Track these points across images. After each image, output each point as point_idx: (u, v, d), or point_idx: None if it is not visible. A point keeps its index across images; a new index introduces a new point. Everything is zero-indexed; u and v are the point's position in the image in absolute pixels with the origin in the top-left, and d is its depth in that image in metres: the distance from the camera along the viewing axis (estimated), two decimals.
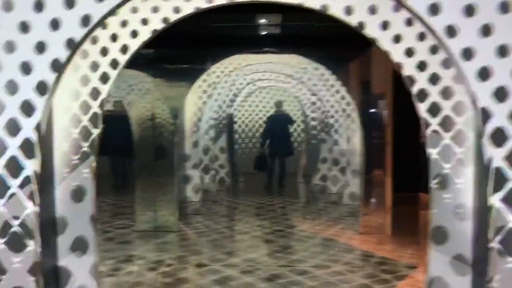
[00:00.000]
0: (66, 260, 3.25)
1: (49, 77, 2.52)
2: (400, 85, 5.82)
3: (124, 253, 5.88)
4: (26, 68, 2.52)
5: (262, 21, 7.06)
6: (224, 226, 7.40)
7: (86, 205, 3.39)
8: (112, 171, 10.61)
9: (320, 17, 6.55)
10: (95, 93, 3.43)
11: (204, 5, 3.70)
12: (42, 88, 2.53)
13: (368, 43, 7.04)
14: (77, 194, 3.32)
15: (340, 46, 7.35)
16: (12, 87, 2.53)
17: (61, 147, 3.19)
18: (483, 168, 3.35)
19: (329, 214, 8.19)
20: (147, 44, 4.45)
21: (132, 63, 7.12)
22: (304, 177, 11.86)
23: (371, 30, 3.74)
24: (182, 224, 7.32)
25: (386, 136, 6.77)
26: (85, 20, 2.54)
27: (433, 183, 3.65)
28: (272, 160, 10.79)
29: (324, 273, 5.16)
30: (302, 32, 7.26)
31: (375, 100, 7.08)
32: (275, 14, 6.69)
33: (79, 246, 3.34)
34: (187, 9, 3.74)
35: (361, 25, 3.70)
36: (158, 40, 6.95)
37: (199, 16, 6.46)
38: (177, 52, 7.22)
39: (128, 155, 9.01)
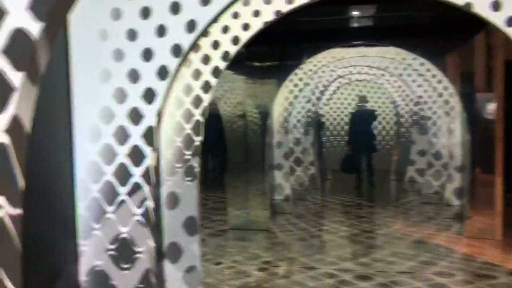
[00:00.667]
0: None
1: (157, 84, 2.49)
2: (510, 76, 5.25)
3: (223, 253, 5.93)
4: (162, 73, 2.50)
5: (355, 13, 6.74)
6: (318, 227, 7.21)
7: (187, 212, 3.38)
8: (203, 169, 10.73)
9: (416, 5, 6.15)
10: (197, 102, 3.40)
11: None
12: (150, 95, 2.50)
13: (470, 33, 6.55)
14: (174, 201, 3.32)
15: (439, 36, 6.83)
16: (122, 96, 2.53)
17: (165, 154, 3.19)
18: None
19: (430, 216, 7.67)
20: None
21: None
22: (397, 174, 11.29)
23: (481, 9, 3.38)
24: (272, 224, 7.25)
25: (497, 131, 6.14)
26: (191, 25, 2.47)
27: None
28: (358, 159, 10.26)
29: (449, 282, 4.77)
30: (398, 23, 6.84)
31: (478, 93, 6.48)
32: (368, 5, 6.35)
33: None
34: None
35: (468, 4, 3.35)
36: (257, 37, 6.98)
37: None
38: (267, 49, 7.13)
39: (220, 153, 9.11)
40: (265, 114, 6.98)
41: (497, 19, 3.50)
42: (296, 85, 8.50)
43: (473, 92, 6.61)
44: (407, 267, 5.24)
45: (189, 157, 3.38)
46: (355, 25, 7.12)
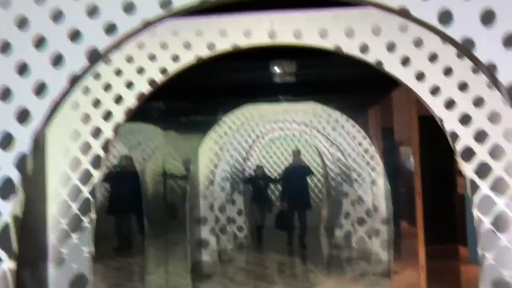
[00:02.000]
0: None
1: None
2: (426, 130, 5.34)
3: None
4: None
5: (276, 69, 6.77)
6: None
7: None
8: (116, 232, 9.41)
9: (336, 63, 6.27)
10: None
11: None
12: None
13: (388, 88, 6.77)
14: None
15: (358, 92, 6.99)
16: None
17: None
18: None
19: (360, 274, 7.48)
20: (155, 96, 4.13)
21: (142, 117, 6.94)
22: (326, 230, 11.18)
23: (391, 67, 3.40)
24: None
25: (415, 185, 6.20)
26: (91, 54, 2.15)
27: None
28: (291, 215, 9.86)
29: None
30: (318, 79, 6.94)
31: (399, 146, 6.62)
32: (288, 60, 6.39)
33: None
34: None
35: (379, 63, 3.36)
36: (168, 92, 6.73)
37: (208, 65, 6.21)
38: (187, 103, 6.93)
39: (136, 213, 8.47)
40: (188, 170, 6.65)
41: (406, 75, 3.53)
42: (220, 139, 8.32)
43: (393, 146, 6.74)
44: None
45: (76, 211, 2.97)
46: (278, 81, 7.14)
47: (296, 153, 10.56)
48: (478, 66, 2.19)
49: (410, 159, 6.35)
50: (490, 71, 1.99)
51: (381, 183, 7.86)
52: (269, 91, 6.92)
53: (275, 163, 12.98)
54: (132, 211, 8.83)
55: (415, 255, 6.19)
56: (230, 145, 9.63)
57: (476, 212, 3.24)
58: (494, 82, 2.11)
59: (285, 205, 9.89)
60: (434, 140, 5.97)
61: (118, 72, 3.59)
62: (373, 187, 7.87)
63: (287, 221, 9.81)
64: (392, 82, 6.88)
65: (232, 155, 9.94)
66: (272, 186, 10.93)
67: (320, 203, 12.08)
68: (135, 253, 8.40)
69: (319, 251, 9.85)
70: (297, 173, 9.88)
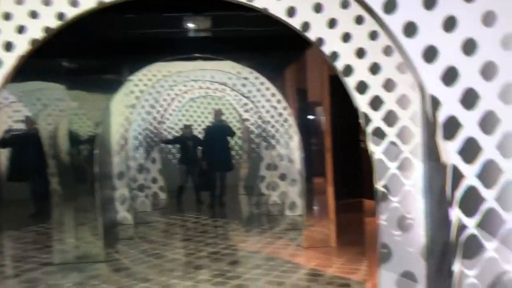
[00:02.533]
0: None
1: None
2: (339, 91, 5.48)
3: None
4: None
5: (189, 25, 6.53)
6: (161, 251, 6.73)
7: None
8: (30, 198, 9.21)
9: (252, 21, 6.17)
10: None
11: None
12: None
13: (302, 47, 6.81)
14: None
15: (274, 50, 6.95)
16: None
17: None
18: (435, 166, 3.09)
19: (272, 229, 7.73)
20: (60, 53, 3.81)
21: (46, 75, 6.44)
22: (246, 188, 11.38)
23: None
24: (114, 252, 6.60)
25: (326, 143, 6.42)
26: None
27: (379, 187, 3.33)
28: (213, 176, 9.71)
29: None
30: (234, 37, 6.79)
31: (313, 106, 6.75)
32: (202, 16, 6.18)
33: None
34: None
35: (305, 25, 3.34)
36: (73, 48, 6.27)
37: (117, 19, 5.83)
38: (95, 61, 6.51)
39: (42, 178, 8.02)
40: (97, 131, 6.32)
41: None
42: (134, 98, 8.02)
43: (306, 106, 6.86)
44: (241, 280, 5.09)
45: None
46: (192, 37, 6.89)
47: (217, 112, 10.28)
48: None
49: (321, 118, 6.53)
50: None
51: (296, 142, 8.06)
52: (183, 48, 6.66)
53: (196, 123, 12.81)
54: (36, 176, 8.38)
55: (325, 211, 6.51)
56: (146, 103, 9.32)
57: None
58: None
59: (205, 166, 9.68)
60: (344, 100, 6.16)
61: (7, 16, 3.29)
62: (289, 147, 8.06)
63: (208, 181, 9.72)
64: (306, 42, 7.00)
65: (148, 115, 9.65)
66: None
67: (240, 162, 12.20)
68: (42, 220, 8.10)
69: (239, 209, 10.05)
70: (218, 133, 9.66)
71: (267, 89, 8.14)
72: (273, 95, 8.14)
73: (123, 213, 8.08)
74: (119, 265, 6.07)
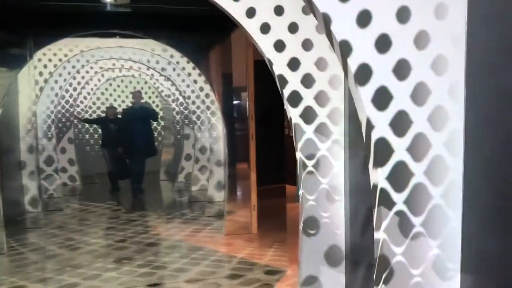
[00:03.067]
0: None
1: None
2: (261, 75, 5.40)
3: None
4: None
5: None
6: (69, 239, 6.28)
7: None
8: None
9: None
10: None
11: None
12: None
13: (228, 29, 6.62)
14: None
15: (198, 32, 6.68)
16: None
17: None
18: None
19: (194, 216, 7.53)
20: None
21: None
22: (167, 174, 11.04)
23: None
24: (14, 243, 6.05)
25: (250, 128, 6.32)
26: None
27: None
28: (132, 162, 9.03)
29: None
30: (156, 13, 6.42)
31: (237, 91, 6.61)
32: None
33: None
34: None
35: None
36: None
37: None
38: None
39: None
40: None
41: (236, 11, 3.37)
42: (42, 77, 7.37)
43: (232, 91, 6.70)
44: (161, 275, 4.87)
45: None
46: (109, 12, 6.41)
47: (136, 94, 9.51)
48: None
49: (246, 103, 6.41)
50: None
51: (220, 127, 7.89)
52: (99, 23, 6.17)
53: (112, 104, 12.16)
54: None
55: (247, 197, 6.43)
56: (57, 84, 8.64)
57: (299, 155, 3.31)
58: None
59: (121, 151, 9.01)
60: (267, 85, 6.13)
61: None
62: (212, 131, 7.87)
63: (125, 168, 9.17)
64: (231, 23, 6.81)
65: (60, 97, 8.96)
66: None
67: (162, 147, 11.80)
68: None
69: (159, 196, 9.72)
70: (138, 116, 8.91)
71: (190, 72, 7.84)
72: (195, 78, 7.86)
73: (30, 201, 7.47)
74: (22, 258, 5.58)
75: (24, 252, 5.75)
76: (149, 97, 12.39)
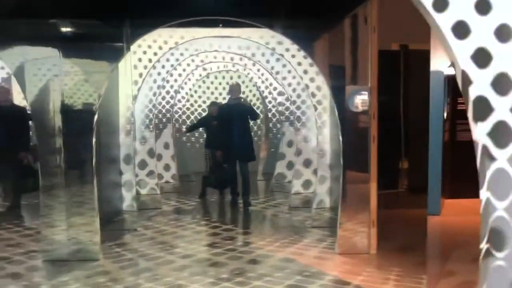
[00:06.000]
0: None
1: None
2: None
3: None
4: None
5: None
6: (171, 247, 5.74)
7: None
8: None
9: None
10: None
11: None
12: None
13: (342, 13, 5.63)
14: None
15: (310, 17, 5.73)
16: None
17: None
18: None
19: (300, 225, 6.69)
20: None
21: (37, 39, 5.37)
22: (264, 174, 10.35)
23: None
24: (113, 246, 5.65)
25: (371, 128, 5.28)
26: None
27: None
28: (231, 167, 7.82)
29: None
30: None
31: (352, 84, 5.61)
32: None
33: None
34: None
35: None
36: (69, 7, 5.19)
37: None
38: (95, 23, 5.40)
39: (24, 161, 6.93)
40: (93, 108, 5.27)
41: None
42: (138, 72, 6.96)
43: (343, 84, 5.72)
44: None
45: None
46: None
47: (234, 88, 8.03)
48: None
49: (356, 99, 5.40)
50: None
51: (329, 124, 6.97)
52: (197, 10, 5.46)
53: (209, 100, 11.70)
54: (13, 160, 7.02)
55: (364, 207, 5.41)
56: (151, 78, 8.26)
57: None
58: None
59: (220, 155, 7.93)
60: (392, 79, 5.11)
61: None
62: (323, 129, 6.96)
63: (223, 176, 8.02)
64: (346, 6, 5.81)
65: (154, 92, 8.58)
66: None
67: (258, 144, 11.14)
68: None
69: (257, 198, 8.97)
70: (236, 114, 7.64)
71: (300, 61, 6.95)
72: (305, 68, 6.94)
73: (129, 201, 7.12)
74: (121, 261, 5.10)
75: (122, 255, 5.29)
76: (247, 92, 11.74)
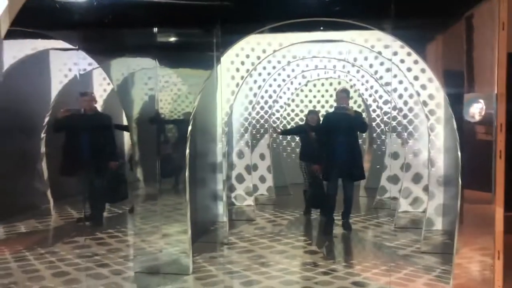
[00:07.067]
0: None
1: None
2: None
3: None
4: None
5: None
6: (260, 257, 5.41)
7: None
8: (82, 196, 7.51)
9: None
10: None
11: None
12: None
13: (460, 11, 4.88)
14: None
15: (425, 14, 5.04)
16: None
17: None
18: None
19: (407, 250, 5.97)
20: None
21: (134, 47, 5.39)
22: (367, 189, 9.62)
23: None
24: (205, 261, 5.45)
25: (498, 141, 4.47)
26: None
27: None
28: (332, 186, 6.78)
29: None
30: None
31: (472, 91, 4.83)
32: None
33: None
34: None
35: None
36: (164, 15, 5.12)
37: None
38: (194, 30, 5.27)
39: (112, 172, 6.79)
40: (187, 116, 5.13)
41: None
42: (235, 80, 6.77)
43: (462, 91, 4.96)
44: None
45: None
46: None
47: (342, 94, 6.83)
48: None
49: (472, 108, 4.62)
50: None
51: (443, 136, 6.18)
52: (299, 13, 5.06)
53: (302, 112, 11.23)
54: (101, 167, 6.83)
55: (484, 226, 4.58)
56: (247, 86, 8.05)
57: None
58: None
59: (323, 172, 6.96)
60: None
61: None
62: (436, 141, 6.18)
63: (323, 196, 7.00)
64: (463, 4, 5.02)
65: (249, 100, 8.35)
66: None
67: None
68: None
69: (358, 217, 8.27)
70: (343, 125, 6.63)
71: (411, 66, 6.27)
72: (416, 74, 6.23)
73: (220, 211, 6.93)
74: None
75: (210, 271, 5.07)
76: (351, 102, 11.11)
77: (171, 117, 5.21)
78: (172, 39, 5.31)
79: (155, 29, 5.06)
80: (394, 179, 8.61)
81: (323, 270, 5.15)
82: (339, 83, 10.55)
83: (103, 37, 5.27)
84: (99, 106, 8.42)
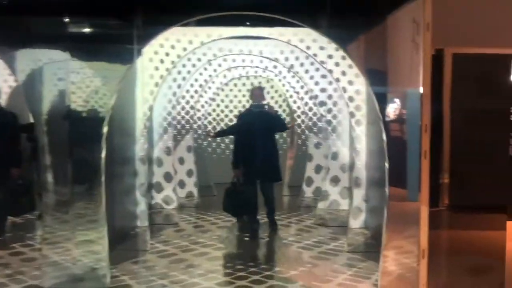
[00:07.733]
0: None
1: None
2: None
3: None
4: None
5: None
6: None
7: None
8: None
9: None
10: None
11: None
12: None
13: (386, 10, 4.94)
14: None
15: (351, 14, 5.01)
16: None
17: None
18: None
19: (330, 249, 5.96)
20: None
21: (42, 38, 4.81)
22: (291, 188, 9.59)
23: None
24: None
25: (422, 141, 4.53)
26: None
27: None
28: (251, 188, 6.41)
29: None
30: None
31: (402, 92, 4.92)
32: None
33: None
34: None
35: None
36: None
37: None
38: (108, 21, 4.82)
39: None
40: (103, 114, 4.68)
41: None
42: (157, 75, 6.32)
43: (392, 90, 5.05)
44: None
45: None
46: None
47: (256, 91, 6.67)
48: None
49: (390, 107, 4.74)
50: None
51: (364, 134, 6.25)
52: (223, 5, 4.80)
53: (230, 111, 10.95)
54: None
55: (405, 223, 4.66)
56: (169, 83, 7.67)
57: None
58: None
59: (240, 174, 6.43)
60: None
61: None
62: (357, 139, 6.24)
63: (242, 200, 6.40)
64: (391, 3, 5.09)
65: (173, 95, 7.97)
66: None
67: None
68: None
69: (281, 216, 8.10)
70: (260, 125, 6.37)
71: (339, 61, 6.20)
72: (347, 68, 6.13)
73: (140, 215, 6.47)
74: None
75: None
76: (272, 99, 11.02)
77: (85, 114, 4.72)
78: (86, 29, 4.82)
79: (66, 19, 4.55)
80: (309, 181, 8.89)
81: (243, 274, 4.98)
82: (268, 81, 10.41)
83: (4, 25, 4.66)
84: (3, 102, 7.47)
